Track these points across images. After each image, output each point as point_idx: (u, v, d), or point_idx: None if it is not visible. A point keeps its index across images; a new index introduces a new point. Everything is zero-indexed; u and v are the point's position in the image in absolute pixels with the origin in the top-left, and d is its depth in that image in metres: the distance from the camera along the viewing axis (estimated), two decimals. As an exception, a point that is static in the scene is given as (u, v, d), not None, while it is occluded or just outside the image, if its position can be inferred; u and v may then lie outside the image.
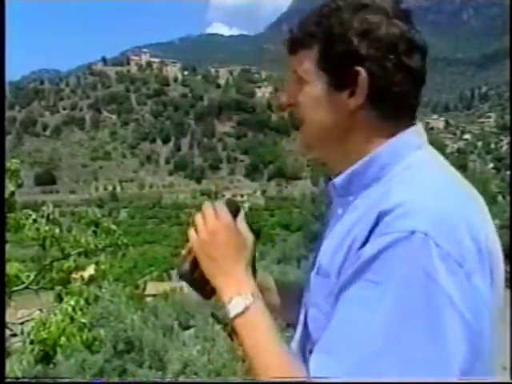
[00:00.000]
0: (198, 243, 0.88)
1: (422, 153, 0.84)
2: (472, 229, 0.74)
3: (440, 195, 0.76)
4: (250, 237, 0.89)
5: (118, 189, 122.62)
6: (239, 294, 0.83)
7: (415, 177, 0.79)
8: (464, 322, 0.70)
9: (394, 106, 0.84)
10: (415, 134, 0.86)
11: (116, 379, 4.80)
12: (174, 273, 72.28)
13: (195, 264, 0.89)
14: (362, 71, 0.80)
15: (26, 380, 3.57)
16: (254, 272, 0.92)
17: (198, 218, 0.89)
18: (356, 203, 0.84)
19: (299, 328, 0.93)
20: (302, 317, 0.93)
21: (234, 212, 0.91)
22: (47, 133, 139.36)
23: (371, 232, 0.75)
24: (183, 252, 0.92)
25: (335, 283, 0.79)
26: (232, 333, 0.84)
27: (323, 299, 0.82)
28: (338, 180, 0.87)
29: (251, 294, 0.84)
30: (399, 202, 0.74)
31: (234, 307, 0.83)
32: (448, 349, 0.69)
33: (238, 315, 0.82)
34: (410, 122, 0.86)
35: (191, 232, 0.89)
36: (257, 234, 0.94)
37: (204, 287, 0.90)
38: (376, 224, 0.75)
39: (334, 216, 0.90)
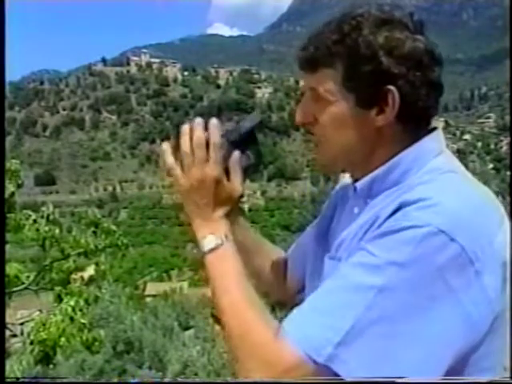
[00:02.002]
0: (183, 184, 0.88)
1: (441, 159, 0.86)
2: (489, 232, 0.76)
3: (460, 196, 0.77)
4: (237, 189, 0.90)
5: (118, 189, 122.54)
6: (213, 234, 0.87)
7: (436, 179, 0.81)
8: (463, 316, 0.72)
9: (419, 120, 0.86)
10: (435, 141, 0.87)
11: (116, 380, 4.80)
12: (174, 273, 72.29)
13: None
14: (394, 90, 0.81)
15: (26, 380, 3.56)
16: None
17: (188, 155, 0.88)
18: (373, 203, 0.86)
19: None
20: None
21: (237, 141, 0.90)
22: (47, 133, 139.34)
23: (388, 218, 0.77)
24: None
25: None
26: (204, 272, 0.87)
27: None
28: (359, 184, 0.89)
29: (224, 235, 0.87)
30: (423, 197, 0.75)
31: (207, 244, 0.87)
32: (440, 338, 0.71)
33: (210, 251, 0.86)
34: (426, 128, 0.88)
35: (176, 170, 0.89)
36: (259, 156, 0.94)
37: None
38: (395, 212, 0.76)
39: (349, 214, 0.92)
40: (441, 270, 0.71)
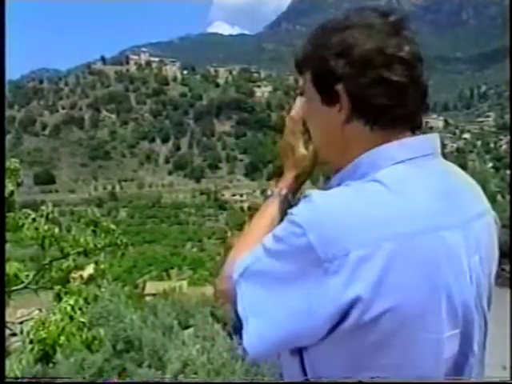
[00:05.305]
0: (279, 147, 1.12)
1: (400, 167, 0.85)
2: (359, 242, 0.76)
3: (340, 202, 0.80)
4: (304, 158, 1.07)
5: (118, 188, 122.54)
6: (276, 187, 1.10)
7: (354, 184, 0.83)
8: (306, 300, 0.78)
9: (381, 118, 0.87)
10: (403, 148, 0.87)
11: (115, 379, 4.80)
12: (173, 272, 72.31)
13: None
14: (340, 89, 0.86)
15: (25, 380, 3.57)
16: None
17: (286, 126, 1.09)
18: None
19: None
20: None
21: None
22: (46, 132, 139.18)
23: None
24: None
25: None
26: None
27: None
28: (330, 185, 0.93)
29: (278, 190, 1.08)
30: (310, 194, 0.83)
31: (270, 191, 1.10)
32: (272, 318, 0.82)
33: (267, 196, 1.10)
34: (407, 130, 0.89)
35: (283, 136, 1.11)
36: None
37: None
38: None
39: None
40: (294, 255, 0.80)
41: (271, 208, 1.05)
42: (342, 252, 0.75)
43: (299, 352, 0.85)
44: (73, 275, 4.16)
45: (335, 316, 0.76)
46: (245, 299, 0.85)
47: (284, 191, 1.07)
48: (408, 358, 0.80)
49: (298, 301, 0.78)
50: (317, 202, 0.80)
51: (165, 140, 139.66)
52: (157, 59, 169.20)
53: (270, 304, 0.82)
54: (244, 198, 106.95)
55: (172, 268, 76.05)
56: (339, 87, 0.86)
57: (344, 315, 0.76)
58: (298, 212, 0.81)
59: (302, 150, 1.06)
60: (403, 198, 0.80)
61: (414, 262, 0.77)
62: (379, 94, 0.85)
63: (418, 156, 0.86)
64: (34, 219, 3.90)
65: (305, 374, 0.86)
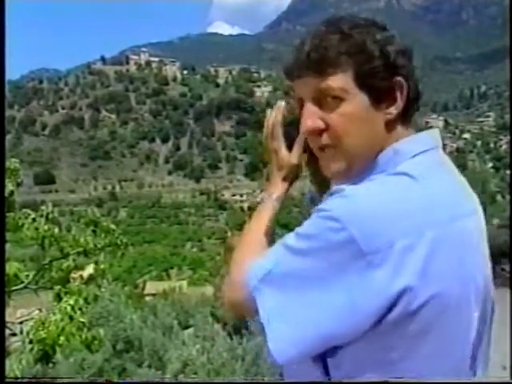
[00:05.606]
0: (265, 154, 1.10)
1: (415, 161, 0.85)
2: (401, 233, 0.75)
3: (378, 195, 0.79)
4: (289, 159, 1.04)
5: (118, 188, 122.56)
6: (266, 191, 1.09)
7: (381, 178, 0.83)
8: (348, 296, 0.75)
9: (412, 111, 0.89)
10: (417, 142, 0.88)
11: (115, 378, 4.80)
12: (173, 272, 72.35)
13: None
14: (403, 81, 0.85)
15: (25, 380, 3.57)
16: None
17: (264, 132, 1.07)
18: None
19: None
20: None
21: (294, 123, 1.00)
22: (46, 132, 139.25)
23: None
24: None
25: None
26: None
27: None
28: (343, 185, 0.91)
29: (269, 194, 1.06)
30: (342, 188, 0.80)
31: (259, 197, 1.10)
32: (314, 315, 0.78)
33: (258, 202, 1.08)
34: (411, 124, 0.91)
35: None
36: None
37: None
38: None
39: None
40: (332, 251, 0.76)
41: (265, 213, 1.04)
42: (385, 244, 0.74)
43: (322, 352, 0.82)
44: (73, 275, 4.16)
45: (382, 309, 0.75)
46: (267, 305, 0.81)
47: (274, 195, 1.05)
48: (443, 344, 0.79)
49: (339, 298, 0.76)
50: (352, 196, 0.78)
51: (165, 140, 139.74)
52: (157, 59, 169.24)
53: (301, 306, 0.79)
54: (244, 197, 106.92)
55: (172, 268, 76.08)
56: (401, 79, 0.85)
57: (390, 307, 0.75)
58: (332, 207, 0.78)
59: (285, 151, 1.04)
60: (430, 188, 0.81)
61: (450, 249, 0.78)
62: (415, 86, 0.88)
63: (429, 149, 0.87)
64: (34, 219, 3.90)
65: (326, 372, 0.83)
